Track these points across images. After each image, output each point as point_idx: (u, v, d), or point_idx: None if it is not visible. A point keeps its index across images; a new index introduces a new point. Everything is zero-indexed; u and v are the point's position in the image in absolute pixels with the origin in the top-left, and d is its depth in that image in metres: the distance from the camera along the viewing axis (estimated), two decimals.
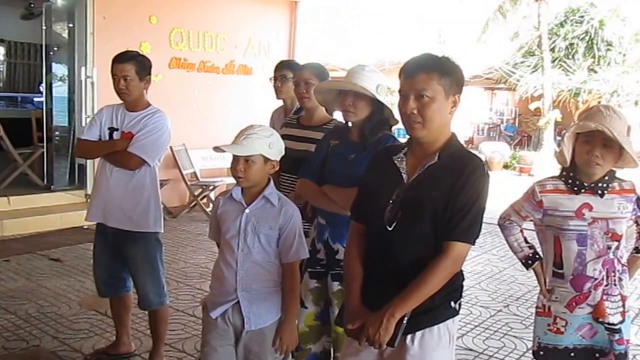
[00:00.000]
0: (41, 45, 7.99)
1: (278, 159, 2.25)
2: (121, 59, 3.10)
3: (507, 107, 20.84)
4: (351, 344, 2.02)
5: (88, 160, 6.93)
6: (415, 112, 1.79)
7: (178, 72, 7.74)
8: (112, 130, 3.17)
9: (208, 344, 2.33)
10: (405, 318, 1.79)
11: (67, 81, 7.51)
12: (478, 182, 1.80)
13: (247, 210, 2.23)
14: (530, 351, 3.73)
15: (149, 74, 3.17)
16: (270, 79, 3.55)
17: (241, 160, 2.16)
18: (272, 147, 2.20)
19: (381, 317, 1.77)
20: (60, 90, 7.65)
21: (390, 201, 1.85)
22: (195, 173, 7.62)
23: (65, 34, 7.54)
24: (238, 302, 2.25)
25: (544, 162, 13.03)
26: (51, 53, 7.50)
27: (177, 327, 3.90)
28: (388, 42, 15.55)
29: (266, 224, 2.22)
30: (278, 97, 3.52)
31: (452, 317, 1.90)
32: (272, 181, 2.28)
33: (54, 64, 7.51)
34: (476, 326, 4.21)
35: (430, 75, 1.78)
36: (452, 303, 1.88)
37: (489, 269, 5.72)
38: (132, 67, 3.08)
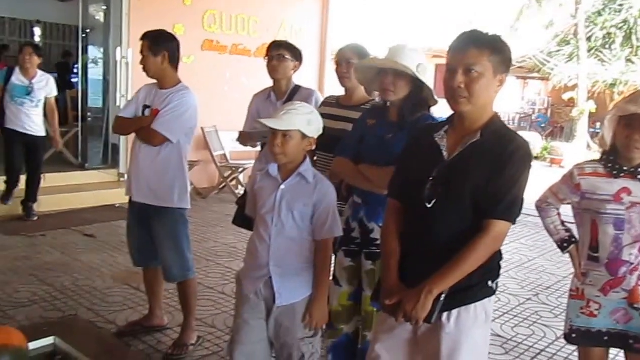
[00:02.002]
0: (77, 27, 8.12)
1: (316, 137, 2.25)
2: (141, 36, 3.19)
3: (540, 97, 20.50)
4: (385, 321, 2.02)
5: (121, 140, 7.07)
6: (462, 86, 1.78)
7: (210, 55, 7.79)
8: (145, 107, 3.23)
9: (240, 316, 2.37)
10: (443, 295, 1.78)
11: (102, 62, 7.64)
12: (521, 160, 1.79)
13: (282, 187, 2.25)
14: (560, 340, 3.75)
15: (167, 49, 3.15)
16: (265, 58, 3.50)
17: (279, 135, 2.17)
18: (311, 124, 2.21)
19: (419, 293, 1.77)
20: (95, 71, 7.79)
21: (430, 178, 1.84)
22: (225, 155, 7.69)
23: (100, 16, 7.66)
24: (270, 276, 2.27)
25: (576, 154, 12.81)
26: (83, 36, 7.62)
27: (208, 304, 3.97)
28: (420, 29, 15.39)
29: (301, 201, 2.24)
30: (274, 77, 3.46)
31: (489, 296, 1.89)
32: (308, 158, 2.29)
33: (89, 46, 7.64)
34: (505, 313, 4.19)
35: (482, 51, 1.77)
36: (490, 282, 1.88)
37: (518, 257, 5.67)
38: (146, 43, 3.14)
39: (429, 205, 1.83)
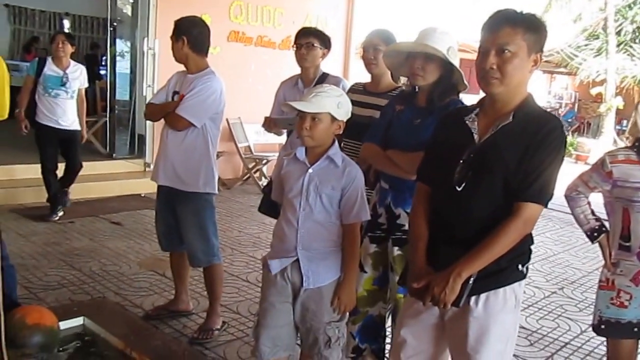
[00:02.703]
0: (105, 19, 8.22)
1: (345, 120, 2.24)
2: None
3: (567, 91, 20.16)
4: (411, 306, 2.01)
5: (148, 131, 7.16)
6: (494, 67, 1.74)
7: (236, 46, 7.82)
8: (174, 93, 3.27)
9: (267, 300, 2.37)
10: (472, 278, 1.76)
11: (129, 54, 7.73)
12: (555, 142, 1.75)
13: (310, 170, 2.24)
14: (585, 333, 3.71)
15: (184, 34, 3.17)
16: (293, 46, 3.49)
17: (308, 118, 2.16)
18: (340, 107, 2.19)
19: (447, 276, 1.75)
20: (122, 63, 7.88)
21: (461, 161, 1.82)
22: (249, 146, 7.73)
23: (128, 8, 7.74)
24: (297, 260, 2.27)
25: (603, 151, 12.59)
26: (111, 29, 7.70)
27: (232, 291, 4.01)
28: (445, 21, 15.25)
29: (329, 184, 2.22)
30: (302, 65, 3.45)
31: (519, 280, 1.87)
32: (336, 142, 2.27)
33: (117, 38, 7.74)
34: (530, 305, 4.16)
35: (515, 29, 1.73)
36: (520, 266, 1.85)
37: (543, 251, 5.62)
38: (173, 29, 3.20)
39: (458, 189, 1.81)
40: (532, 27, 1.76)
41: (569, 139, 15.26)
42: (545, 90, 20.34)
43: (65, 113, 5.38)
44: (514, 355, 3.23)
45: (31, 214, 5.57)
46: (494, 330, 1.84)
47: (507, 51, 1.73)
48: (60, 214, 5.50)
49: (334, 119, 2.19)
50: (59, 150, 5.50)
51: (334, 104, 2.17)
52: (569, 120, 18.59)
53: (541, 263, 5.21)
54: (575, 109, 19.44)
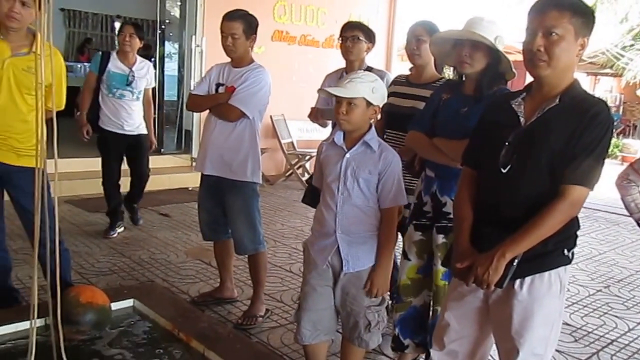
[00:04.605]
0: (154, 21, 8.47)
1: (380, 105, 2.28)
2: (231, 17, 3.23)
3: (611, 93, 19.59)
4: (456, 288, 2.03)
5: (194, 127, 7.34)
6: (541, 49, 1.75)
7: (280, 45, 7.94)
8: (218, 85, 3.34)
9: (308, 283, 2.42)
10: (516, 260, 1.77)
11: (177, 54, 7.95)
12: (601, 125, 1.74)
13: (347, 155, 2.28)
14: (633, 331, 3.64)
15: (255, 32, 3.28)
16: (338, 39, 3.53)
17: (344, 103, 2.21)
18: (375, 92, 2.23)
19: (491, 256, 1.77)
20: (170, 62, 8.13)
21: (507, 143, 1.83)
22: (292, 143, 7.84)
23: (176, 10, 7.97)
24: (337, 245, 2.31)
25: None
26: (159, 31, 7.93)
27: (276, 280, 4.09)
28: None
29: (366, 169, 2.26)
30: (347, 58, 3.49)
31: (564, 264, 1.86)
32: (373, 127, 2.31)
33: (165, 39, 7.97)
34: (574, 303, 4.09)
35: (562, 12, 1.73)
36: (565, 251, 1.85)
37: (588, 250, 5.51)
38: (240, 25, 3.20)
39: (504, 171, 1.83)
40: (578, 11, 1.76)
41: (614, 140, 14.83)
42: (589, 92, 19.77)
43: (131, 116, 4.75)
44: (558, 351, 3.22)
45: (85, 205, 5.81)
46: (539, 314, 1.85)
47: (554, 34, 1.74)
48: (120, 230, 5.01)
49: (369, 103, 2.23)
50: (123, 159, 4.94)
51: (368, 89, 2.21)
52: (615, 122, 18.07)
53: (586, 262, 5.11)
54: (620, 112, 18.89)
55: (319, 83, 3.76)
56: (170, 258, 4.48)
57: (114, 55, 4.73)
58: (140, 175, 5.04)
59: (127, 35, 4.63)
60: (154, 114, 7.73)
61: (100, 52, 4.89)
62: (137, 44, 4.71)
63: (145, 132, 4.91)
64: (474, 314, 2.01)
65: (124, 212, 5.16)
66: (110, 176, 4.90)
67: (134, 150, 4.89)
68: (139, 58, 4.80)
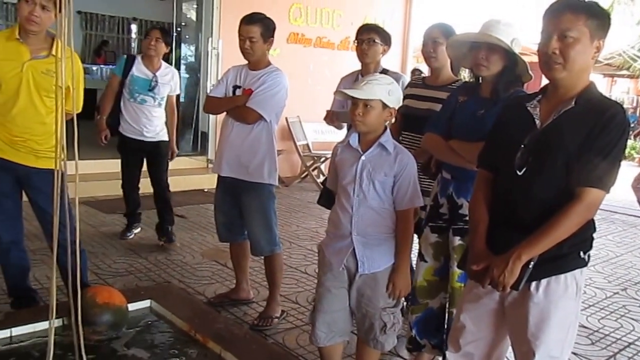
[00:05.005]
0: (169, 24, 8.55)
1: (396, 108, 2.29)
2: (249, 20, 3.25)
3: (628, 95, 19.40)
4: (471, 290, 2.03)
5: (210, 129, 7.38)
6: (557, 52, 1.75)
7: (295, 47, 7.97)
8: (235, 88, 3.37)
9: (323, 285, 2.43)
10: (532, 262, 1.77)
11: (193, 56, 8.00)
12: (617, 128, 1.74)
13: (363, 157, 2.29)
14: None
15: (272, 36, 3.31)
16: (354, 42, 3.54)
17: (360, 104, 2.22)
18: (392, 94, 2.24)
19: (507, 258, 1.77)
20: (186, 64, 8.18)
21: (522, 146, 1.84)
22: (307, 145, 7.86)
23: (192, 12, 8.03)
24: (353, 247, 2.32)
25: None
26: (175, 34, 7.98)
27: (291, 282, 4.11)
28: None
29: (381, 171, 2.27)
30: (363, 61, 3.49)
31: (580, 267, 1.86)
32: (388, 129, 2.32)
33: (182, 41, 8.03)
34: (591, 305, 4.06)
35: (577, 15, 1.74)
36: (582, 253, 1.85)
37: (605, 253, 5.45)
38: (258, 29, 3.22)
39: (519, 173, 1.83)
40: (593, 13, 1.76)
41: (631, 142, 14.65)
42: (606, 94, 19.57)
43: (151, 122, 4.65)
44: (575, 353, 3.20)
45: (101, 206, 5.88)
46: (555, 316, 1.84)
47: (569, 37, 1.74)
48: (137, 231, 5.06)
49: (385, 106, 2.24)
50: (143, 163, 4.89)
51: (384, 91, 2.22)
52: (631, 124, 17.83)
53: (602, 265, 5.06)
54: (637, 113, 18.65)
55: (334, 85, 3.77)
56: (187, 259, 4.51)
57: (138, 59, 4.64)
58: (158, 181, 4.94)
59: (153, 40, 4.54)
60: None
61: (125, 56, 4.82)
62: (163, 49, 4.62)
63: (166, 138, 4.82)
64: (489, 316, 2.01)
65: (141, 214, 5.18)
66: (129, 179, 4.92)
67: (152, 157, 4.83)
68: (164, 64, 4.73)
